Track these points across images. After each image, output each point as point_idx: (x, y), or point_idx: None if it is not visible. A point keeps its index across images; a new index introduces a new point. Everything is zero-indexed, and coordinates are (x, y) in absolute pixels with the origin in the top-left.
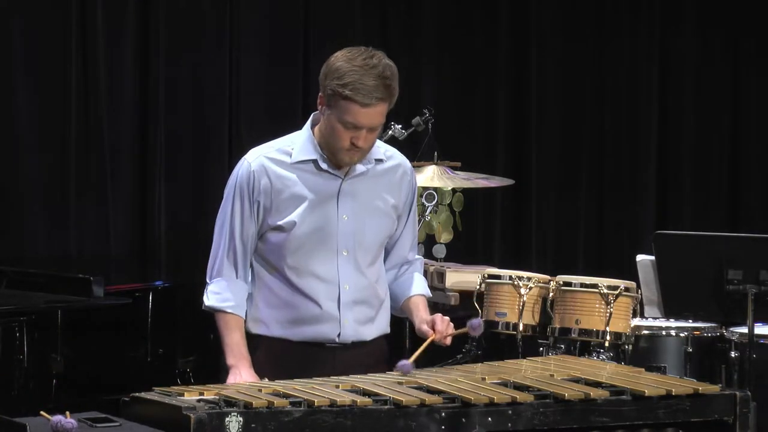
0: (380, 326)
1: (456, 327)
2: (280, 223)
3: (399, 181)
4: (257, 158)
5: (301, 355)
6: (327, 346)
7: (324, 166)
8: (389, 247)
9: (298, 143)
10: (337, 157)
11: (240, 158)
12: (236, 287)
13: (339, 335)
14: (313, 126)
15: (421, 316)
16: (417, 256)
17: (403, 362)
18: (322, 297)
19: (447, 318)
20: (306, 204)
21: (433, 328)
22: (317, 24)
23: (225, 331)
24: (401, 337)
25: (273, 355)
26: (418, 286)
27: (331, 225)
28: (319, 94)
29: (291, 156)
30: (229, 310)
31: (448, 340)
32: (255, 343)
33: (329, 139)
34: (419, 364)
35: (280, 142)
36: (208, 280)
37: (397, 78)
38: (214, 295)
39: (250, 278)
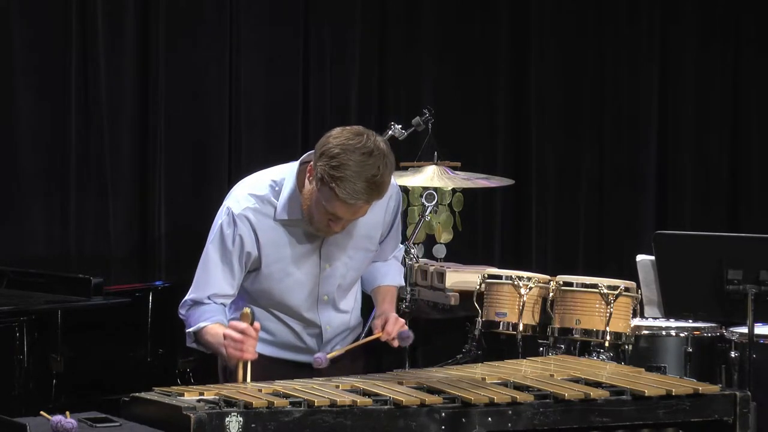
0: (352, 338)
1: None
2: (260, 277)
3: (385, 207)
4: (242, 210)
5: (279, 368)
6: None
7: (307, 226)
8: None
9: (283, 197)
10: (313, 227)
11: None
12: (210, 308)
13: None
14: (300, 171)
15: (382, 309)
16: (399, 246)
17: (318, 355)
18: (304, 335)
19: (402, 321)
20: (289, 260)
21: (384, 326)
22: (317, 24)
23: (209, 338)
24: None
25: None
26: (391, 275)
27: (313, 277)
28: (311, 162)
29: (276, 210)
30: (202, 324)
31: (396, 342)
32: None
33: (310, 209)
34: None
35: (264, 186)
36: (182, 312)
37: (390, 173)
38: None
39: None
